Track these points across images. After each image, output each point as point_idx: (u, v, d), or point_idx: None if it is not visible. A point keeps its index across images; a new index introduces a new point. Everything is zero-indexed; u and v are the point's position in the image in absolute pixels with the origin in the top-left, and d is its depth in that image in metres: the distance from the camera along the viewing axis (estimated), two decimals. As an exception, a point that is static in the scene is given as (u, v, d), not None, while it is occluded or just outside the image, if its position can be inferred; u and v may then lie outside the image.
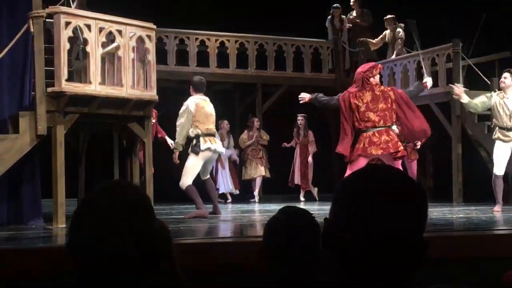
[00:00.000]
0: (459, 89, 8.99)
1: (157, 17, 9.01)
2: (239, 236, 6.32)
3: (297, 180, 12.21)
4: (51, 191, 6.98)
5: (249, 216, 8.71)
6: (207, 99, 8.44)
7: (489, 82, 9.90)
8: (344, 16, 13.61)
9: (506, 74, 8.74)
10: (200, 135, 8.12)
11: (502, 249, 5.16)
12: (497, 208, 8.48)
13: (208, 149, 8.12)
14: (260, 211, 9.73)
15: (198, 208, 8.07)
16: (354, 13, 13.60)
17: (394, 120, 7.61)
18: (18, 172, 7.03)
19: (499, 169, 8.61)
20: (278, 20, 13.43)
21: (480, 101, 8.87)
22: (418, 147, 10.33)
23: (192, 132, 8.18)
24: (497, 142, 8.68)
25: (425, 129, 7.75)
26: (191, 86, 8.44)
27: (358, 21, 13.45)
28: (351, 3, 13.55)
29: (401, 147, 7.49)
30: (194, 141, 8.16)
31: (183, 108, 8.21)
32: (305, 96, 8.06)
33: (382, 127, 7.43)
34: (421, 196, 1.31)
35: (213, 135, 8.32)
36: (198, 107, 8.18)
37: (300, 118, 12.21)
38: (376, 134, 7.40)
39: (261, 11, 13.48)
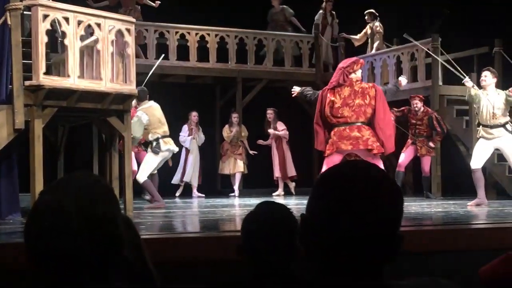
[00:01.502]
0: (470, 83, 8.99)
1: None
2: (217, 231, 6.31)
3: (276, 173, 12.19)
4: (29, 185, 6.93)
5: (228, 211, 8.71)
6: (153, 103, 9.32)
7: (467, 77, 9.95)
8: (334, 12, 13.57)
9: (485, 73, 8.75)
10: (159, 138, 9.14)
11: (479, 243, 5.21)
12: (475, 202, 8.48)
13: (168, 150, 9.20)
14: (240, 206, 9.74)
15: (156, 200, 9.07)
16: (274, 10, 13.55)
17: (369, 117, 7.61)
18: (-4, 167, 6.97)
19: (474, 162, 8.62)
20: (258, 14, 13.43)
21: (474, 93, 8.93)
22: (432, 146, 10.40)
23: (151, 137, 9.19)
24: (480, 140, 8.73)
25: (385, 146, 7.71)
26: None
27: (279, 19, 13.46)
28: (272, 0, 13.45)
29: (374, 144, 7.48)
30: (155, 143, 9.15)
31: (134, 119, 8.81)
32: (296, 90, 8.22)
33: (354, 123, 7.50)
34: (396, 192, 1.32)
35: (169, 136, 9.33)
36: (150, 115, 9.11)
37: (270, 112, 12.19)
38: (347, 130, 7.49)
39: (241, 5, 13.44)
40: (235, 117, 12.22)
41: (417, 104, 10.36)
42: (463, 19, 10.82)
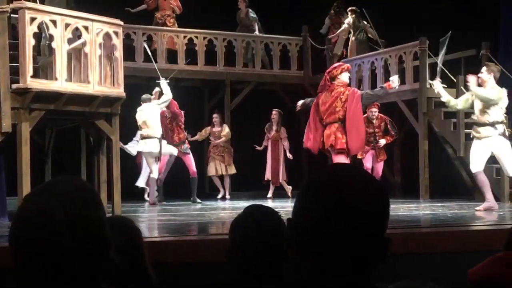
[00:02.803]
0: (437, 84, 8.83)
1: (124, 13, 9.00)
2: (206, 234, 6.31)
3: (267, 175, 12.14)
4: (16, 188, 6.89)
5: (217, 214, 8.70)
6: (144, 107, 10.16)
7: (455, 80, 10.00)
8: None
9: (482, 69, 8.42)
10: (140, 139, 10.30)
11: (467, 244, 5.22)
12: (484, 206, 8.01)
13: (141, 151, 10.37)
14: (229, 208, 9.72)
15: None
16: (241, 14, 13.51)
17: (340, 117, 8.19)
18: (-17, 170, 6.94)
19: (473, 165, 8.27)
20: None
21: (462, 99, 8.62)
22: (381, 145, 10.54)
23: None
24: (473, 141, 8.49)
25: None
26: None
27: (246, 22, 13.44)
28: (239, 2, 13.41)
29: (326, 140, 8.17)
30: None
31: None
32: (299, 104, 8.89)
33: (327, 123, 8.22)
34: (383, 195, 1.32)
35: (147, 137, 10.10)
36: (137, 116, 10.20)
37: (275, 113, 12.08)
38: (326, 131, 8.23)
39: (229, 7, 13.44)
40: (215, 118, 12.07)
41: (376, 112, 10.50)
42: (450, 22, 10.84)
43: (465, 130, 10.13)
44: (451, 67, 10.30)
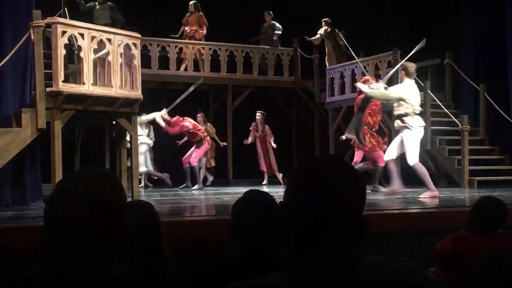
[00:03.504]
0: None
1: (142, 27, 8.99)
2: (213, 214, 6.31)
3: (262, 167, 12.12)
4: (50, 176, 6.90)
5: (221, 197, 8.70)
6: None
7: (422, 84, 10.01)
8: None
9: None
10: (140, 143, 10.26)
11: (432, 224, 5.23)
12: (390, 189, 7.79)
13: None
14: (231, 193, 9.71)
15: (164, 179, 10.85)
16: (266, 25, 13.48)
17: None
18: (22, 161, 6.93)
19: (387, 154, 7.99)
20: (245, 30, 13.43)
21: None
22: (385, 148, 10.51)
23: None
24: None
25: None
26: None
27: (268, 32, 13.41)
28: (265, 15, 13.36)
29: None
30: None
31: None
32: None
33: None
34: (361, 182, 1.32)
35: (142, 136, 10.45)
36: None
37: (258, 115, 11.97)
38: None
39: (231, 23, 13.43)
40: (199, 117, 11.75)
41: None
42: (419, 34, 10.82)
43: (431, 127, 10.16)
44: (419, 74, 10.30)
